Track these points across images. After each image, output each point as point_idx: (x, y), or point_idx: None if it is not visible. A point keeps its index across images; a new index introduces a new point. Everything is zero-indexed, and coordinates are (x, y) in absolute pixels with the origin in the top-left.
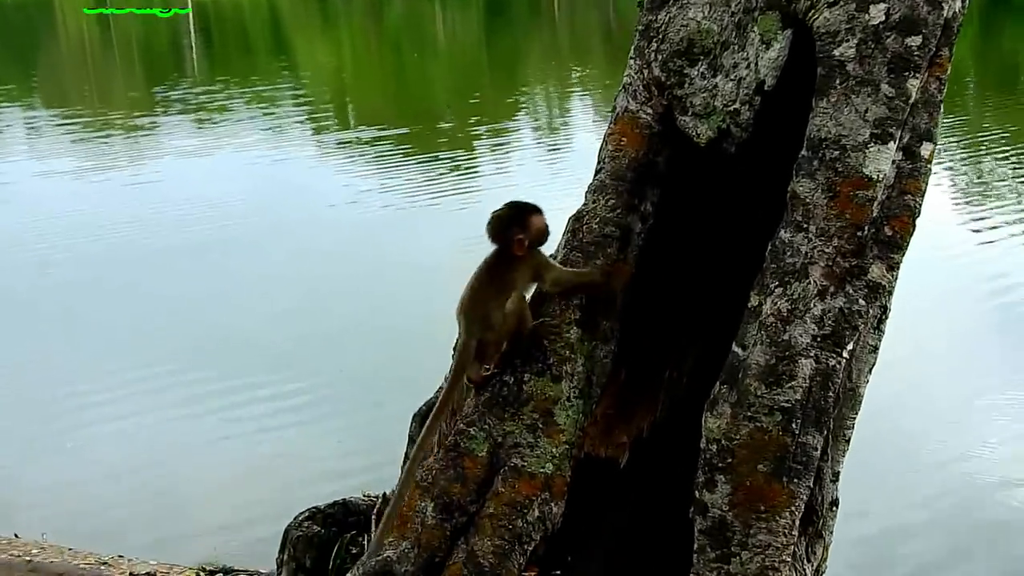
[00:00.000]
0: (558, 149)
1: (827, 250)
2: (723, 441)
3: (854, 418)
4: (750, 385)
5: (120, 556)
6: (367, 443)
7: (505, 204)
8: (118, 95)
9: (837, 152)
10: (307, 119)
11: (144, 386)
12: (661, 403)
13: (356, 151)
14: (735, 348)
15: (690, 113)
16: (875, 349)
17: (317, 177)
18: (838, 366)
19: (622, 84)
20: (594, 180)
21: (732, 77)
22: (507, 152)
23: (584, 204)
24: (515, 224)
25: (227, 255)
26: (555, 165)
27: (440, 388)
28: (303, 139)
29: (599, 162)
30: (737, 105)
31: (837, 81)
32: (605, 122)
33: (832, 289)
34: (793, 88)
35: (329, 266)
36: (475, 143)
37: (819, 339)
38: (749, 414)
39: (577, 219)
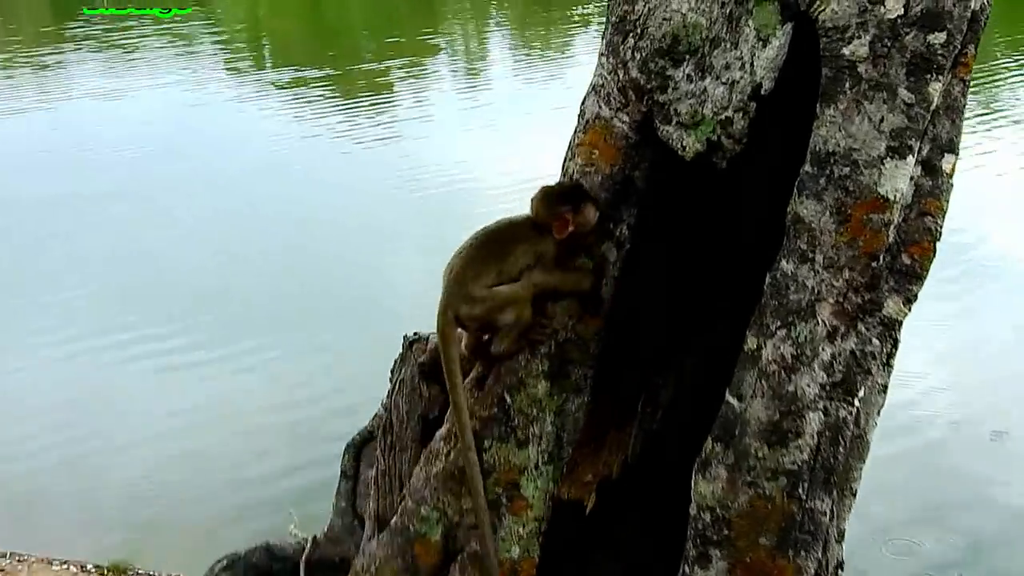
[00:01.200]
0: (477, 89)
1: (837, 284)
2: (718, 510)
3: (861, 468)
4: (750, 445)
5: (20, 560)
6: (293, 399)
7: (567, 180)
8: (26, 29)
9: (847, 168)
10: (223, 58)
11: (49, 343)
12: (633, 440)
13: (273, 93)
14: (730, 399)
15: (674, 122)
16: (884, 388)
17: (234, 120)
18: (849, 417)
19: (591, 85)
20: None
21: (723, 80)
22: (426, 93)
23: None
24: (571, 203)
25: (142, 204)
26: (475, 109)
27: (376, 415)
28: (218, 80)
29: (564, 175)
30: (729, 112)
31: (847, 85)
32: (524, 64)
33: (843, 330)
34: (795, 93)
35: (249, 216)
36: (394, 84)
37: (828, 388)
38: (749, 479)
39: None
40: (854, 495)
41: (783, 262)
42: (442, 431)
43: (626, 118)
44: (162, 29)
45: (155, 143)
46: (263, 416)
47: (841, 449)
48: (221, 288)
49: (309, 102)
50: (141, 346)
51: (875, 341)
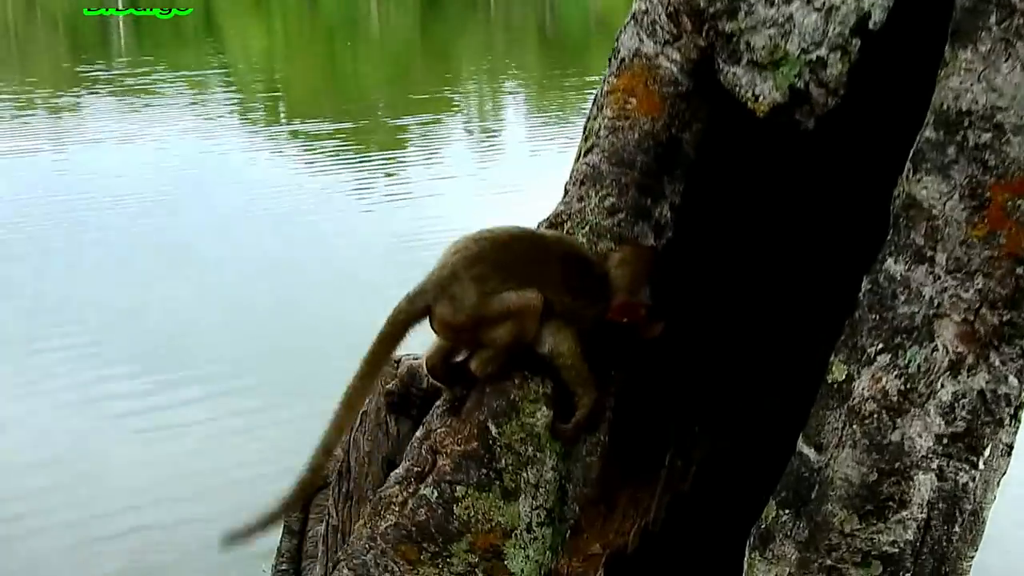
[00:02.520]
0: (490, 151)
1: (966, 295)
2: None
3: (972, 558)
4: (832, 514)
5: None
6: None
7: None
8: (41, 71)
9: (987, 134)
10: (237, 110)
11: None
12: (657, 503)
13: (286, 145)
14: (804, 449)
15: (745, 61)
16: (1009, 450)
17: (246, 172)
18: (971, 483)
19: (631, 13)
20: (580, 164)
21: (817, 5)
22: (439, 152)
23: (564, 202)
24: (659, 307)
25: (140, 253)
26: (488, 170)
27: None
28: (232, 130)
29: (588, 135)
30: (823, 51)
31: (992, 19)
32: (540, 127)
33: (971, 360)
34: (916, 28)
35: (244, 270)
36: (408, 141)
37: (946, 440)
38: (829, 562)
39: (552, 228)
40: None
41: (889, 262)
42: (399, 471)
43: (677, 56)
44: (179, 76)
45: (161, 191)
46: (242, 471)
47: (957, 528)
48: (205, 343)
49: (321, 154)
50: (123, 401)
51: (1011, 380)
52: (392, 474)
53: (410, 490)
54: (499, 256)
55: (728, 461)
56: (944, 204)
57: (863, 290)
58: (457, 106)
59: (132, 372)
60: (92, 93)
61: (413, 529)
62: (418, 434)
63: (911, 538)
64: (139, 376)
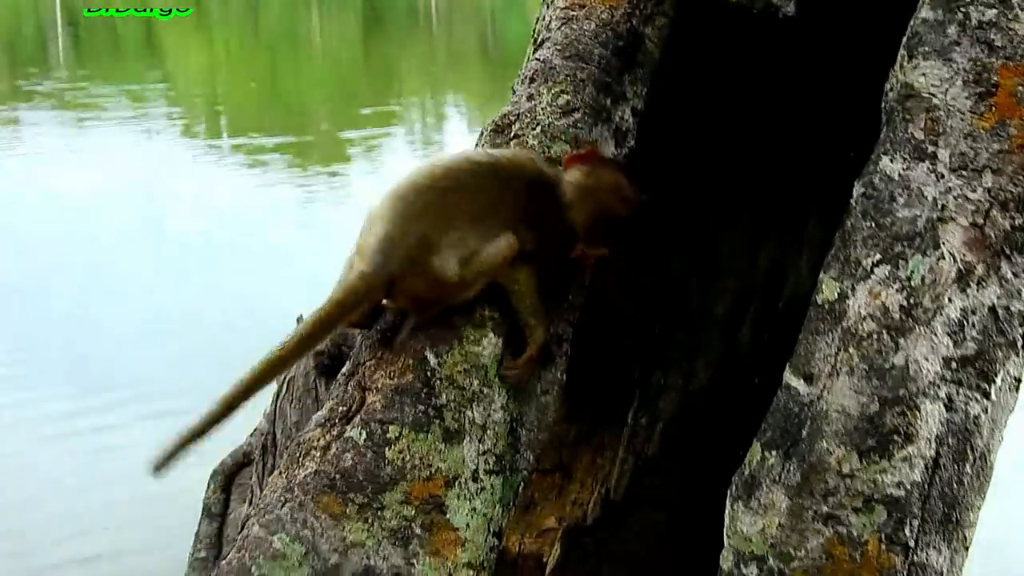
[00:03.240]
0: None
1: (973, 195)
2: (771, 560)
3: (979, 507)
4: (828, 452)
5: None
6: None
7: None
8: None
9: (993, 11)
10: (178, 127)
11: None
12: (621, 466)
13: (228, 159)
14: (791, 380)
15: None
16: (1017, 384)
17: (186, 188)
18: (982, 416)
19: None
20: (530, 62)
21: None
22: (383, 163)
23: (512, 102)
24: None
25: (84, 272)
26: None
27: (256, 431)
28: (172, 148)
29: (537, 34)
30: None
31: None
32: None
33: (980, 270)
34: None
35: (194, 288)
36: (351, 156)
37: (955, 364)
38: (826, 509)
39: (498, 131)
40: (967, 548)
41: (885, 160)
42: (321, 413)
43: None
44: (120, 89)
45: (100, 207)
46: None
47: (968, 468)
48: (142, 363)
49: (264, 168)
50: (58, 422)
51: None
52: (314, 417)
53: (334, 432)
54: (471, 206)
55: (698, 415)
56: (945, 92)
57: (855, 196)
58: (401, 120)
59: (67, 393)
60: (31, 108)
61: (337, 477)
62: (344, 370)
63: (919, 479)
64: (74, 397)
